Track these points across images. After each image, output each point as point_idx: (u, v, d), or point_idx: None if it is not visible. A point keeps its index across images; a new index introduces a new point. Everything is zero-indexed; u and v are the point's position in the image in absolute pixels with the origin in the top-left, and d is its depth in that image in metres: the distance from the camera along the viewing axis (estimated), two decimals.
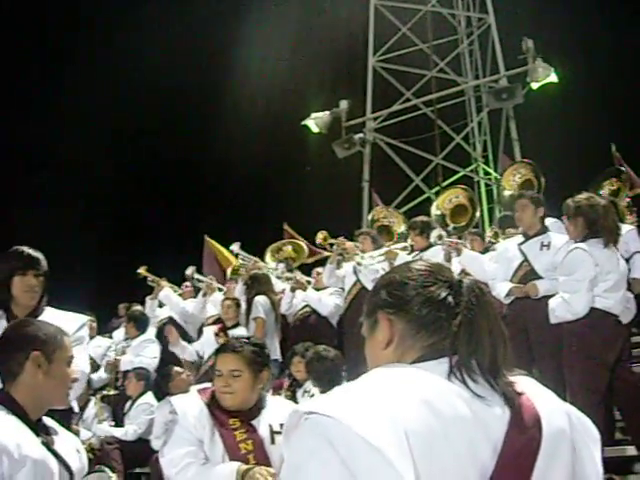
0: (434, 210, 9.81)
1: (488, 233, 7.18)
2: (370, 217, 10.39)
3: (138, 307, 9.41)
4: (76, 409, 4.19)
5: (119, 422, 7.68)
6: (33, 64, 15.67)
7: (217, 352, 3.51)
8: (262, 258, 10.40)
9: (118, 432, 7.36)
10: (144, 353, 8.55)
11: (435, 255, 7.05)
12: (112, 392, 8.38)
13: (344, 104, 15.12)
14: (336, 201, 14.96)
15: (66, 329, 3.90)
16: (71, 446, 2.78)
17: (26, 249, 4.00)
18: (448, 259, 6.63)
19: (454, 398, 1.37)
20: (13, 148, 14.72)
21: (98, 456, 7.27)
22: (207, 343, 7.70)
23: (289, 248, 11.27)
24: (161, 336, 8.89)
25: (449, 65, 16.01)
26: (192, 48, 15.21)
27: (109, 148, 15.60)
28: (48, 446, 2.63)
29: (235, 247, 9.78)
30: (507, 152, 14.35)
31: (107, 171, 15.59)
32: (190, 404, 3.28)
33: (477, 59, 16.38)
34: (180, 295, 9.49)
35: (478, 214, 9.45)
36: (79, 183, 15.25)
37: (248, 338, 3.54)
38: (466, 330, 1.45)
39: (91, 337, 9.30)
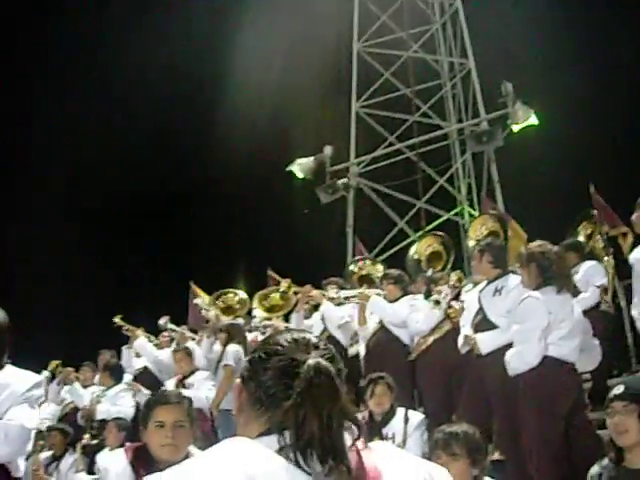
0: (412, 254, 9.84)
1: (453, 277, 7.19)
2: (350, 269, 10.38)
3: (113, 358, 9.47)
4: (17, 470, 4.15)
5: (92, 473, 7.61)
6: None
7: (155, 403, 3.38)
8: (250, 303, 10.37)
9: None
10: (121, 402, 8.54)
11: (402, 307, 7.10)
12: (93, 442, 8.31)
13: (328, 149, 15.28)
14: (321, 245, 15.00)
15: (17, 387, 3.94)
16: None
17: None
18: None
19: (280, 474, 1.41)
20: None
21: None
22: None
23: (276, 296, 11.25)
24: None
25: (432, 109, 16.18)
26: (177, 83, 15.29)
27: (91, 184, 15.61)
28: None
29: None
30: (489, 195, 14.46)
31: (86, 214, 15.62)
32: (114, 461, 3.30)
33: (460, 102, 16.53)
34: (157, 345, 9.46)
35: (452, 259, 9.47)
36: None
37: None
38: (293, 412, 1.47)
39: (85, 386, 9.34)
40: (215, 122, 15.86)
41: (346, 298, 7.64)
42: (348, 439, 1.52)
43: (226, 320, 9.18)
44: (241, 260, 14.84)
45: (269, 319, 9.22)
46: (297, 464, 1.43)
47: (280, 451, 1.45)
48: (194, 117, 16.13)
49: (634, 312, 5.39)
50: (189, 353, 8.01)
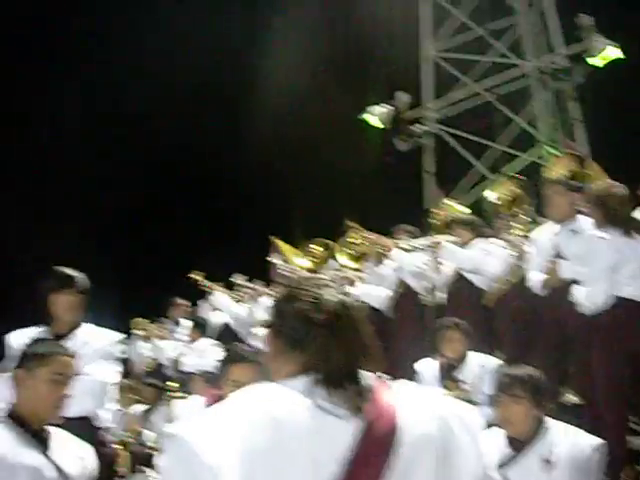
0: (490, 198, 9.71)
1: (519, 223, 7.07)
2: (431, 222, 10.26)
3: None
4: (102, 418, 4.39)
5: None
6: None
7: (231, 362, 3.46)
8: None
9: None
10: (207, 356, 8.81)
11: (476, 252, 7.05)
12: (179, 394, 8.62)
13: (403, 96, 15.07)
14: (398, 193, 14.89)
15: (97, 344, 4.16)
16: (73, 454, 3.00)
17: (62, 269, 4.26)
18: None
19: (304, 415, 1.48)
20: None
21: None
22: None
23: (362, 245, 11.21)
24: (220, 340, 9.14)
25: (508, 48, 15.70)
26: (216, 45, 15.17)
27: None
28: (46, 454, 2.88)
29: (237, 279, 9.81)
30: (569, 135, 14.06)
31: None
32: (192, 410, 3.42)
33: (535, 40, 15.98)
34: (236, 300, 9.64)
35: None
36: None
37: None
38: (323, 348, 1.55)
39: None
40: (278, 67, 15.69)
41: (417, 247, 7.60)
42: (371, 377, 1.59)
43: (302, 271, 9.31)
44: (319, 212, 14.92)
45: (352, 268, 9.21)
46: (320, 402, 1.50)
47: (308, 392, 1.52)
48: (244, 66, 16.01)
49: None
50: None
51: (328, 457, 1.45)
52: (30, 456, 2.83)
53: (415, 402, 1.61)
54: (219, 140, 15.56)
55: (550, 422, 3.68)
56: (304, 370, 1.57)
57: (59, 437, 3.01)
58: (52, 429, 3.00)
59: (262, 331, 7.97)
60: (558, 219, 5.84)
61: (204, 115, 15.48)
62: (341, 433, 1.48)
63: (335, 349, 1.55)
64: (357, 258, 9.63)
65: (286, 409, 1.48)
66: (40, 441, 2.90)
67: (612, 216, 4.95)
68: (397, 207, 12.35)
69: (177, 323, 10.21)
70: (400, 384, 1.65)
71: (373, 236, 7.98)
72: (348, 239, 10.12)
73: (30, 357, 3.00)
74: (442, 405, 1.63)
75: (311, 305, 1.61)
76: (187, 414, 3.48)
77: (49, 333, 4.12)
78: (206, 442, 1.41)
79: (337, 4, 15.32)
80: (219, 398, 3.39)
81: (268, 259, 10.06)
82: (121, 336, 4.71)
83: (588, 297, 4.95)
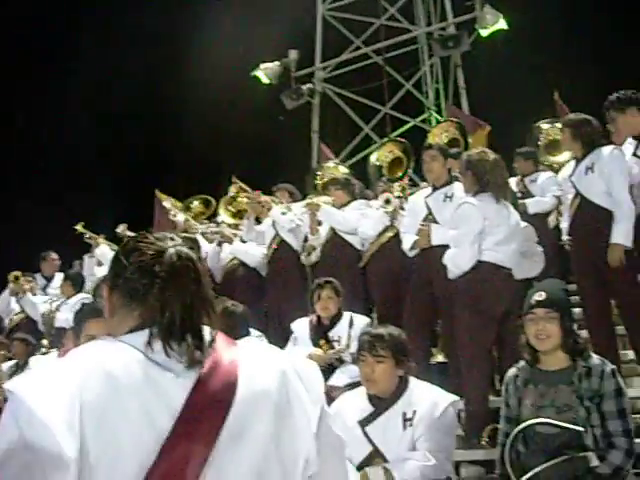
0: (373, 160, 9.83)
1: (395, 188, 7.21)
2: (314, 182, 10.30)
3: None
4: None
5: None
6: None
7: (87, 316, 3.33)
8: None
9: None
10: None
11: (353, 215, 7.14)
12: (52, 350, 8.41)
13: (293, 54, 15.03)
14: (286, 152, 14.91)
15: None
16: None
17: None
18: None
19: (136, 368, 1.46)
20: None
21: None
22: None
23: (243, 200, 11.18)
24: (97, 294, 8.92)
25: (400, 12, 15.84)
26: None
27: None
28: None
29: (120, 229, 9.63)
30: (455, 101, 14.37)
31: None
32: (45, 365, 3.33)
33: (429, 6, 16.20)
34: None
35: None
36: None
37: None
38: (160, 300, 1.52)
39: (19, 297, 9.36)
40: (179, 27, 15.44)
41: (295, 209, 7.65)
42: (210, 333, 1.58)
43: (195, 226, 9.21)
44: (206, 167, 14.76)
45: (232, 225, 9.17)
46: (153, 356, 1.48)
47: (144, 346, 1.49)
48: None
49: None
50: None
51: (162, 412, 1.44)
52: None
53: (256, 358, 1.61)
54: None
55: (412, 381, 3.78)
56: (142, 324, 1.54)
57: None
58: None
59: None
60: (434, 183, 5.96)
61: None
62: (176, 388, 1.47)
63: (172, 301, 1.52)
64: (238, 215, 9.61)
65: (120, 363, 1.46)
66: None
67: (483, 182, 5.07)
68: (288, 165, 12.36)
69: (50, 279, 9.90)
70: (245, 341, 1.64)
71: (254, 194, 7.94)
72: (231, 196, 10.08)
73: None
74: (284, 361, 1.63)
75: (150, 257, 1.57)
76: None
77: None
78: (39, 397, 1.39)
79: None
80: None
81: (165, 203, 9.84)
82: None
83: (453, 260, 5.09)
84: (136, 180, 14.48)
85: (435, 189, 5.94)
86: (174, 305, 1.52)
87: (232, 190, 8.67)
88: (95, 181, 15.21)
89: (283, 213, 7.51)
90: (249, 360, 1.58)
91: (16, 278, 9.18)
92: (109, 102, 15.40)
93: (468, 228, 5.00)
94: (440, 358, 6.28)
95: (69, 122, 15.39)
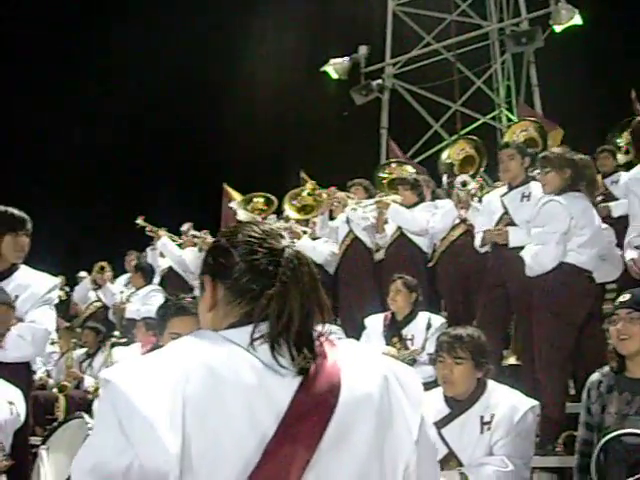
0: (444, 158, 9.73)
1: (473, 184, 7.10)
2: (379, 175, 10.22)
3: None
4: (36, 365, 4.34)
5: None
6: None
7: (172, 314, 3.26)
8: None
9: None
10: (151, 302, 8.73)
11: (422, 215, 7.08)
12: (122, 340, 8.55)
13: (363, 49, 14.96)
14: (355, 148, 14.86)
15: (37, 289, 4.07)
16: (2, 398, 2.91)
17: (14, 210, 4.15)
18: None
19: (241, 365, 1.42)
20: None
21: None
22: None
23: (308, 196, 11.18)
24: (164, 285, 9.06)
25: (471, 7, 15.64)
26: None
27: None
28: None
29: (185, 227, 9.68)
30: (527, 99, 14.12)
31: (102, 117, 15.55)
32: (127, 356, 3.36)
33: (501, 1, 15.94)
34: (180, 245, 9.53)
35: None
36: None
37: (194, 297, 3.43)
38: (277, 300, 1.47)
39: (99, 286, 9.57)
40: (245, 22, 15.53)
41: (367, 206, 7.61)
42: (318, 334, 1.54)
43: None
44: (274, 163, 14.83)
45: (299, 220, 9.19)
46: (260, 354, 1.45)
47: (251, 343, 1.46)
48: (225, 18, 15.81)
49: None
50: None
51: (266, 412, 1.40)
52: None
53: (358, 361, 1.57)
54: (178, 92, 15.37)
55: (491, 384, 3.71)
56: (247, 321, 1.50)
57: None
58: None
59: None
60: (510, 183, 5.85)
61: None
62: (281, 388, 1.43)
63: (288, 303, 1.48)
64: (305, 211, 9.59)
65: (224, 359, 1.43)
66: None
67: (576, 180, 4.96)
68: (355, 161, 12.31)
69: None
70: (345, 342, 1.60)
71: (329, 190, 7.93)
72: (298, 192, 10.09)
73: None
74: (385, 366, 1.59)
75: (264, 255, 1.53)
76: (122, 359, 3.38)
77: None
78: (140, 388, 1.36)
79: None
80: (156, 346, 3.35)
81: (230, 206, 9.93)
82: (57, 280, 4.63)
83: (537, 258, 4.97)
84: (201, 175, 14.67)
85: (511, 188, 5.83)
86: (292, 309, 1.48)
87: (308, 186, 8.64)
88: (159, 178, 15.47)
89: (353, 209, 7.47)
90: (350, 362, 1.54)
91: (102, 268, 9.37)
92: (172, 100, 15.57)
93: (555, 226, 4.88)
94: (512, 360, 6.15)
95: (132, 120, 15.63)
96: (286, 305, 1.47)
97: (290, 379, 1.45)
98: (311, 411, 1.43)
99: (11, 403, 2.95)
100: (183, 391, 1.37)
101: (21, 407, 3.01)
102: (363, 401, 1.50)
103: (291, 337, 1.46)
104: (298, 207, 10.21)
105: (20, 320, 3.91)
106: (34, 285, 4.12)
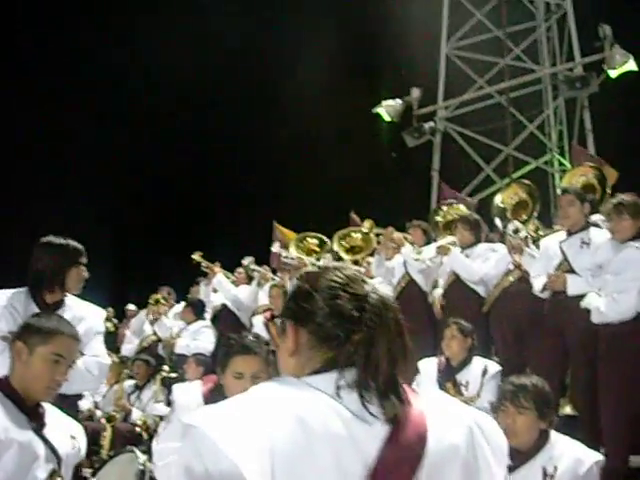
0: (497, 202, 9.66)
1: (530, 227, 7.03)
2: (435, 219, 10.17)
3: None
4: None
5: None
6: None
7: (235, 353, 3.30)
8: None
9: None
10: (202, 338, 8.76)
11: (483, 253, 7.00)
12: (172, 374, 8.56)
13: (415, 92, 15.02)
14: (405, 189, 14.88)
15: (92, 322, 4.10)
16: (65, 432, 2.91)
17: (74, 242, 4.21)
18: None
19: (329, 415, 1.40)
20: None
21: (152, 435, 7.53)
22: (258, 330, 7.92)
23: (357, 236, 11.19)
24: (216, 322, 9.09)
25: (524, 52, 15.67)
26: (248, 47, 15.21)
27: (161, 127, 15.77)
28: (37, 431, 2.77)
29: (246, 261, 9.70)
30: (580, 144, 13.99)
31: (156, 149, 15.78)
32: (190, 397, 3.34)
33: (554, 46, 15.94)
34: (233, 282, 9.59)
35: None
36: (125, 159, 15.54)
37: (257, 336, 3.42)
38: (364, 346, 1.45)
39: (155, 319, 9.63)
40: (295, 62, 15.71)
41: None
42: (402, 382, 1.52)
43: (307, 261, 9.24)
44: (324, 202, 14.89)
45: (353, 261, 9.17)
46: (348, 403, 1.42)
47: (337, 391, 1.43)
48: (272, 58, 16.04)
49: None
50: (286, 292, 8.13)
51: (355, 463, 1.38)
52: (21, 432, 2.70)
53: (442, 410, 1.54)
54: (234, 132, 15.57)
55: (554, 435, 3.62)
56: (331, 367, 1.47)
57: (52, 414, 2.90)
58: (46, 405, 2.90)
59: (262, 318, 7.95)
60: (570, 229, 5.77)
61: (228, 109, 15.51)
62: (369, 438, 1.41)
63: (375, 349, 1.46)
64: (354, 251, 9.59)
65: (311, 408, 1.40)
66: (34, 417, 2.78)
67: None
68: (405, 202, 12.32)
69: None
70: (426, 389, 1.57)
71: (387, 231, 7.94)
72: (347, 232, 10.10)
73: (33, 330, 2.84)
74: (469, 416, 1.55)
75: (349, 301, 1.51)
76: (185, 399, 3.37)
77: (40, 301, 4.03)
78: (227, 435, 1.33)
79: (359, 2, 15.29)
80: (217, 385, 3.35)
81: (273, 248, 9.99)
82: (104, 312, 4.71)
83: (614, 306, 4.83)
84: (251, 211, 14.78)
85: (570, 234, 5.74)
86: (379, 355, 1.46)
87: (365, 224, 8.66)
88: (215, 212, 15.61)
89: (416, 260, 7.43)
90: (434, 411, 1.51)
91: (156, 301, 9.46)
92: (232, 139, 15.78)
93: (634, 274, 4.77)
94: (568, 410, 6.01)
95: (190, 158, 15.87)
96: (373, 351, 1.45)
97: (378, 428, 1.42)
98: (400, 462, 1.41)
99: (73, 437, 2.93)
100: (272, 441, 1.34)
101: (82, 442, 3.00)
102: (450, 452, 1.47)
103: (379, 384, 1.44)
104: (347, 247, 10.23)
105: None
106: (88, 317, 4.14)
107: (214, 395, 3.34)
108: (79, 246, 4.19)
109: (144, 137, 15.71)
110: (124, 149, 15.58)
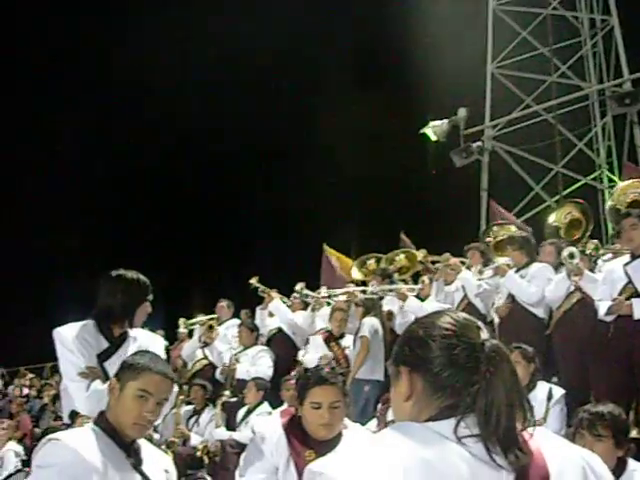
0: (550, 221, 9.63)
1: (589, 245, 6.99)
2: (486, 241, 10.15)
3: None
4: None
5: (231, 429, 7.95)
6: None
7: (313, 384, 3.39)
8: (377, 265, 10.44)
9: (238, 435, 7.61)
10: (260, 363, 8.83)
11: (538, 273, 6.98)
12: (232, 399, 8.64)
13: (462, 112, 15.04)
14: (454, 210, 14.88)
15: (158, 350, 4.17)
16: (159, 467, 2.99)
17: (142, 276, 4.28)
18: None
19: (456, 460, 1.42)
20: None
21: (214, 459, 7.63)
22: (313, 349, 8.16)
23: (402, 257, 11.23)
24: (271, 346, 9.18)
25: (571, 69, 15.61)
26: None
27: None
28: (136, 467, 2.86)
29: (298, 287, 9.74)
30: (631, 159, 13.87)
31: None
32: (271, 429, 3.43)
33: (601, 62, 15.86)
34: (289, 307, 9.68)
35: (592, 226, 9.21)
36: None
37: (333, 368, 3.53)
38: (483, 396, 1.48)
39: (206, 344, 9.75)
40: (338, 79, 15.84)
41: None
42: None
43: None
44: (373, 223, 14.95)
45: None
46: (473, 449, 1.45)
47: (460, 437, 1.45)
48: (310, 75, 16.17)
49: None
50: (347, 317, 8.28)
51: None
52: (121, 467, 2.77)
53: (557, 453, 1.57)
54: (282, 150, 15.74)
55: (631, 463, 3.63)
56: (448, 414, 1.50)
57: (146, 449, 2.96)
58: (140, 441, 2.94)
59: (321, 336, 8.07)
60: (634, 251, 5.75)
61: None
62: None
63: (494, 399, 1.48)
64: (400, 272, 9.65)
65: (440, 454, 1.43)
66: (131, 453, 2.85)
67: None
68: (453, 223, 12.32)
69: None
70: (538, 431, 1.61)
71: (443, 257, 7.97)
72: (392, 256, 10.16)
73: (126, 367, 2.92)
74: (580, 457, 1.60)
75: (464, 348, 1.53)
76: (266, 430, 3.47)
77: (108, 334, 4.10)
78: None
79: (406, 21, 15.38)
80: (294, 417, 3.44)
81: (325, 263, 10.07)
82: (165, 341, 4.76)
83: None
84: (299, 233, 14.89)
85: (635, 257, 5.72)
86: (498, 405, 1.48)
87: (419, 254, 8.72)
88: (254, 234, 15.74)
89: (478, 286, 7.47)
90: (550, 454, 1.54)
91: (210, 327, 9.58)
92: (280, 165, 15.91)
93: None
94: (634, 434, 5.96)
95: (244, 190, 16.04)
96: (492, 402, 1.47)
97: (503, 473, 1.46)
98: None
99: (167, 471, 3.02)
100: None
101: (174, 475, 3.09)
102: None
103: (499, 435, 1.46)
104: (366, 272, 10.30)
105: None
106: (153, 346, 4.19)
107: (294, 424, 3.44)
108: (147, 281, 4.24)
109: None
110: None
